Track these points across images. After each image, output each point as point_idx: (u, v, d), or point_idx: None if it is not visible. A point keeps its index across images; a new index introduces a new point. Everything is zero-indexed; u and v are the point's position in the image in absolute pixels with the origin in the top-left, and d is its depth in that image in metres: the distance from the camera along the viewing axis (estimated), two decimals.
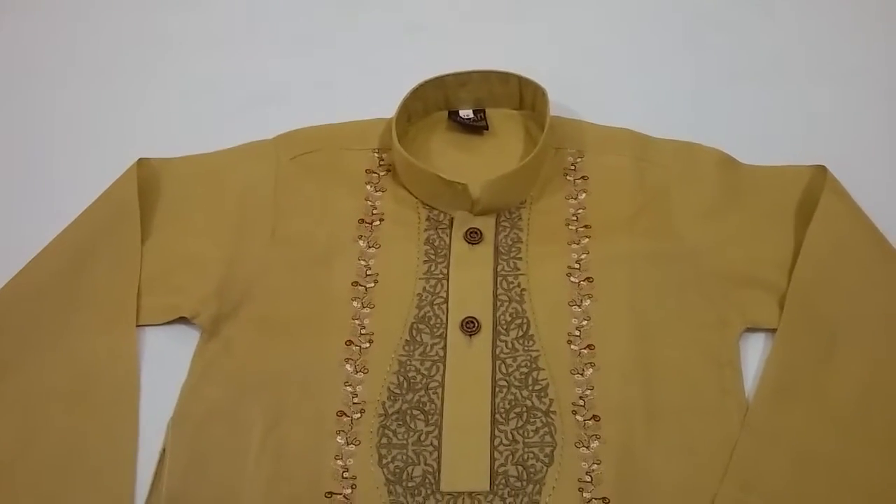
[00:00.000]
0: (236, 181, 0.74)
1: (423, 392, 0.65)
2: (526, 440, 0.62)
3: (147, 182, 0.74)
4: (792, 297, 0.66)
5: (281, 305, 0.68)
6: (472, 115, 0.78)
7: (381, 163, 0.75)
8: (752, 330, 0.67)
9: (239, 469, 0.62)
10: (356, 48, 0.90)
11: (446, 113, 0.78)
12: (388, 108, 0.75)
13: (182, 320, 0.69)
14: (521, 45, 0.88)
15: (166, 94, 0.86)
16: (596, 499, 0.60)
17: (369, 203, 0.74)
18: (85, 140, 0.83)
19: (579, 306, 0.68)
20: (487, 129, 0.77)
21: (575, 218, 0.72)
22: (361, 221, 0.72)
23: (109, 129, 0.84)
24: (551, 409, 0.63)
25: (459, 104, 0.78)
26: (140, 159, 0.75)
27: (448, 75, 0.76)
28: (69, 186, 0.75)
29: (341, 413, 0.64)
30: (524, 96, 0.78)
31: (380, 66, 0.87)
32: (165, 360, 0.68)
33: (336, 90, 0.85)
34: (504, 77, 0.76)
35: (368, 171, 0.75)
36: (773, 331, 0.66)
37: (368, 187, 0.74)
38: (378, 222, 0.72)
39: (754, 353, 0.66)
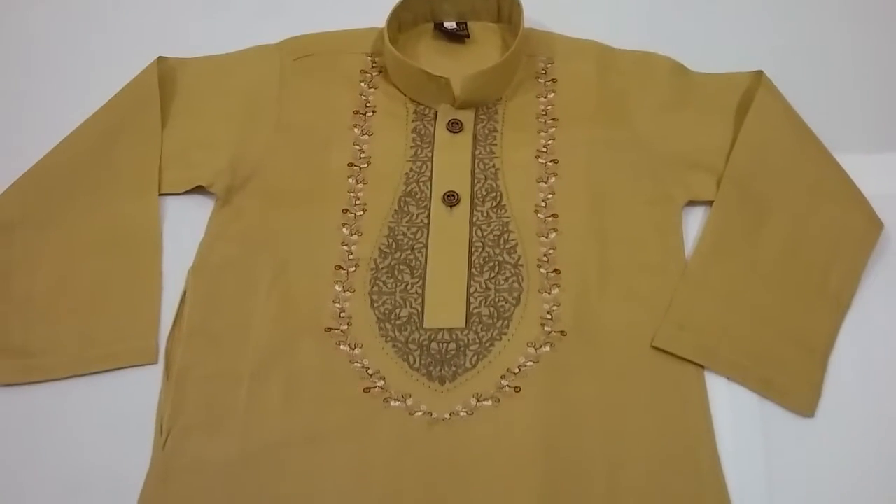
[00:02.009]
0: (245, 78, 0.84)
1: (409, 251, 0.75)
2: (497, 287, 0.73)
3: (165, 77, 0.83)
4: (728, 174, 0.76)
5: (285, 180, 0.78)
6: (455, 26, 0.88)
7: (374, 65, 0.85)
8: (693, 203, 0.77)
9: (249, 308, 0.72)
10: None
11: (432, 24, 0.88)
12: (379, 18, 0.84)
13: (199, 190, 0.78)
14: None
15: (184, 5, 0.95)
16: (555, 331, 0.70)
17: (363, 98, 0.83)
18: (111, 42, 0.92)
19: (546, 182, 0.78)
20: (469, 37, 0.87)
21: (544, 112, 0.82)
22: (356, 113, 0.82)
23: (133, 34, 0.92)
24: (519, 263, 0.74)
25: (444, 16, 0.88)
26: (159, 57, 0.84)
27: None
28: (98, 80, 0.84)
29: (338, 267, 0.74)
30: (502, 10, 0.87)
31: None
32: (185, 223, 0.77)
33: (333, 2, 0.94)
34: None
35: (362, 72, 0.85)
36: (711, 203, 0.76)
37: (362, 84, 0.84)
38: (371, 113, 0.82)
39: (694, 222, 0.77)
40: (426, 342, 0.70)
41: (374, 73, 0.84)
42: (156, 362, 0.71)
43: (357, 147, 0.80)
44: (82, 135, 0.80)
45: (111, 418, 0.69)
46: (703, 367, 0.70)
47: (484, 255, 0.74)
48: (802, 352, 0.70)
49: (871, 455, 0.67)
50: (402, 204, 0.77)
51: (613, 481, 0.65)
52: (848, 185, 0.76)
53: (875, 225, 0.74)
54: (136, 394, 0.69)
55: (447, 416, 0.67)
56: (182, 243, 0.76)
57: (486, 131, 0.80)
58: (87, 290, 0.73)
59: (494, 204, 0.77)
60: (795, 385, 0.69)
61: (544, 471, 0.65)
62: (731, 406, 0.69)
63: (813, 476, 0.66)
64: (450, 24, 0.87)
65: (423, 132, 0.80)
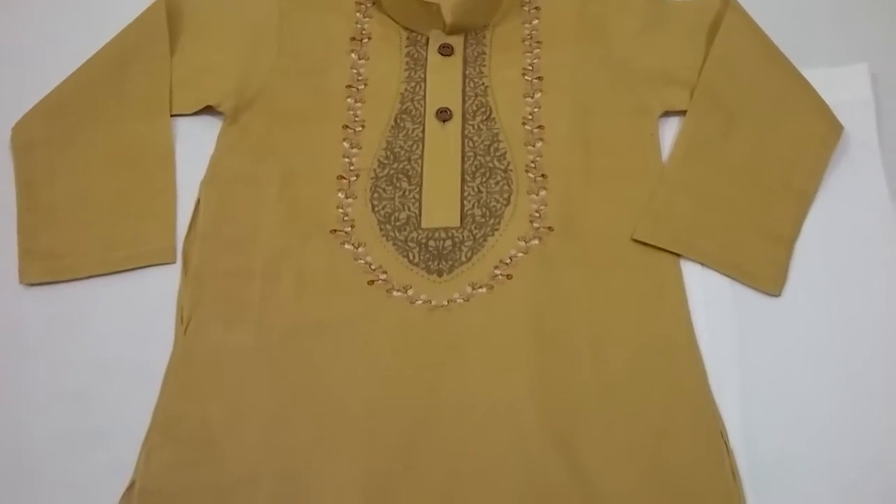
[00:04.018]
0: (247, 8, 0.88)
1: (406, 162, 0.81)
2: (488, 190, 0.79)
3: (172, 9, 0.88)
4: (699, 86, 0.82)
5: (288, 101, 0.83)
6: None
7: None
8: (668, 114, 0.83)
9: (258, 214, 0.77)
10: None
11: None
12: None
13: (207, 111, 0.84)
14: None
15: None
16: (543, 227, 0.76)
17: (358, 26, 0.89)
18: None
19: (532, 98, 0.84)
20: None
21: (529, 36, 0.88)
22: (353, 39, 0.88)
23: None
24: (509, 169, 0.80)
25: None
26: None
27: None
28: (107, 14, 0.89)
29: (341, 177, 0.80)
30: None
31: None
32: (196, 141, 0.82)
33: None
34: None
35: (357, 2, 0.90)
36: (685, 113, 0.82)
37: (357, 14, 0.89)
38: (366, 40, 0.88)
39: (670, 130, 0.83)
40: (424, 240, 0.76)
41: (367, 4, 0.90)
42: (174, 262, 0.77)
43: (354, 70, 0.86)
44: (97, 62, 0.85)
45: (135, 312, 0.74)
46: (678, 255, 0.76)
47: (476, 163, 0.80)
48: (770, 240, 0.76)
49: (831, 329, 0.73)
50: (398, 121, 0.83)
51: (598, 358, 0.71)
52: (810, 93, 0.82)
53: (835, 128, 0.80)
54: (157, 290, 0.75)
55: (445, 302, 0.73)
56: (193, 159, 0.81)
57: (475, 54, 0.86)
58: (107, 200, 0.79)
59: (484, 118, 0.83)
60: (763, 268, 0.75)
61: (535, 350, 0.71)
62: (704, 289, 0.75)
63: (780, 350, 0.72)
64: None
65: (415, 56, 0.86)
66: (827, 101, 0.81)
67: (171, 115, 0.84)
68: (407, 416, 0.68)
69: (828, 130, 0.80)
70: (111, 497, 0.66)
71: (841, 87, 0.83)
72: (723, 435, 0.68)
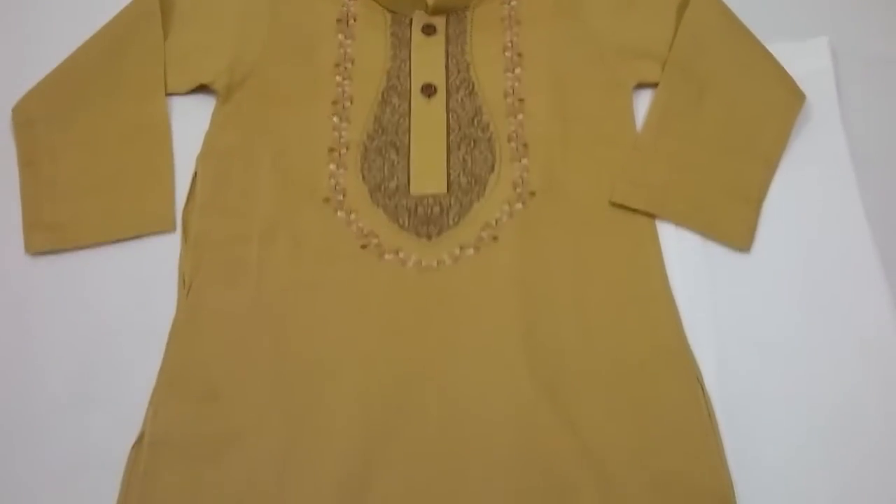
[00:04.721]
0: None
1: (394, 134, 0.84)
2: (473, 159, 0.83)
3: None
4: (671, 59, 0.87)
5: (279, 79, 0.87)
6: None
7: None
8: (641, 86, 0.88)
9: (253, 185, 0.81)
10: None
11: None
12: None
13: (201, 90, 0.87)
14: None
15: None
16: (526, 192, 0.81)
17: (344, 8, 0.92)
18: None
19: (512, 73, 0.88)
20: None
21: (508, 16, 0.92)
22: (339, 21, 0.91)
23: None
24: (492, 139, 0.84)
25: None
26: None
27: None
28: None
29: (332, 149, 0.84)
30: None
31: None
32: (190, 119, 0.86)
33: None
34: None
35: None
36: (657, 84, 0.87)
37: None
38: (352, 21, 0.91)
39: (644, 102, 0.87)
40: (413, 206, 0.80)
41: None
42: (174, 230, 0.80)
43: (342, 50, 0.89)
44: (93, 45, 0.88)
45: (138, 278, 0.78)
46: (653, 216, 0.80)
47: (460, 134, 0.84)
48: (739, 200, 0.81)
49: (796, 279, 0.78)
50: (385, 96, 0.87)
51: (580, 311, 0.75)
52: (775, 65, 0.87)
53: (798, 97, 0.85)
54: (159, 257, 0.78)
55: (435, 263, 0.77)
56: (189, 136, 0.84)
57: (457, 32, 0.90)
58: (107, 174, 0.82)
59: (467, 92, 0.87)
60: (734, 226, 0.80)
61: (520, 305, 0.75)
62: (678, 246, 0.79)
63: (749, 299, 0.77)
64: None
65: (400, 36, 0.90)
66: (790, 73, 0.86)
67: (167, 95, 0.87)
68: (401, 368, 0.72)
69: (791, 99, 0.85)
70: (120, 451, 0.68)
71: (803, 59, 0.88)
72: (699, 379, 0.72)
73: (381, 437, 0.69)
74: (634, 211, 0.80)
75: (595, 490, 0.66)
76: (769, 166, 0.83)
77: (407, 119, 0.85)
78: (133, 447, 0.69)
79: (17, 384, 0.73)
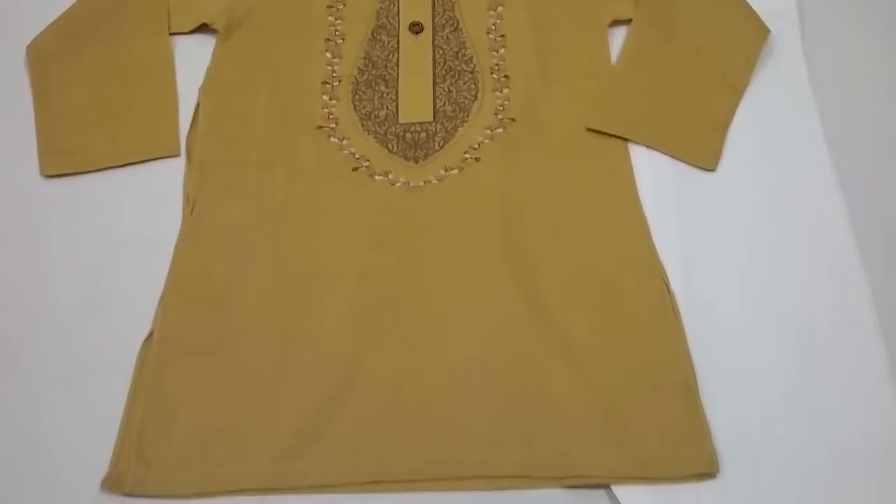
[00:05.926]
0: None
1: (383, 68, 0.90)
2: (458, 89, 0.88)
3: None
4: None
5: (275, 18, 0.93)
6: None
7: None
8: (616, 23, 0.93)
9: (251, 114, 0.87)
10: None
11: None
12: None
13: (203, 29, 0.93)
14: None
15: None
16: (507, 118, 0.86)
17: None
18: None
19: (494, 11, 0.94)
20: None
21: None
22: None
23: None
24: (475, 70, 0.89)
25: None
26: None
27: None
28: None
29: (325, 82, 0.89)
30: None
31: None
32: (193, 55, 0.92)
33: None
34: None
35: None
36: (630, 21, 0.92)
37: None
38: None
39: (618, 38, 0.93)
40: (401, 133, 0.86)
41: None
42: (178, 154, 0.86)
43: None
44: None
45: (146, 197, 0.84)
46: (626, 140, 0.86)
47: (446, 67, 0.90)
48: (706, 125, 0.86)
49: (759, 196, 0.83)
50: (375, 34, 0.92)
51: (557, 223, 0.81)
52: (741, 2, 0.92)
53: (763, 31, 0.91)
54: (165, 179, 0.84)
55: (422, 183, 0.83)
56: (192, 71, 0.90)
57: None
58: (116, 104, 0.88)
59: (452, 29, 0.92)
60: (701, 149, 0.85)
61: (501, 218, 0.81)
62: (649, 166, 0.85)
63: (714, 214, 0.82)
64: None
65: None
66: (755, 9, 0.91)
67: (171, 34, 0.92)
68: (390, 276, 0.78)
69: (756, 32, 0.91)
70: (132, 349, 0.74)
71: None
72: (664, 280, 0.78)
73: (369, 337, 0.75)
74: (608, 135, 0.86)
75: (568, 375, 0.72)
76: (735, 94, 0.88)
77: (395, 54, 0.90)
78: (144, 343, 0.75)
79: (40, 290, 0.79)
